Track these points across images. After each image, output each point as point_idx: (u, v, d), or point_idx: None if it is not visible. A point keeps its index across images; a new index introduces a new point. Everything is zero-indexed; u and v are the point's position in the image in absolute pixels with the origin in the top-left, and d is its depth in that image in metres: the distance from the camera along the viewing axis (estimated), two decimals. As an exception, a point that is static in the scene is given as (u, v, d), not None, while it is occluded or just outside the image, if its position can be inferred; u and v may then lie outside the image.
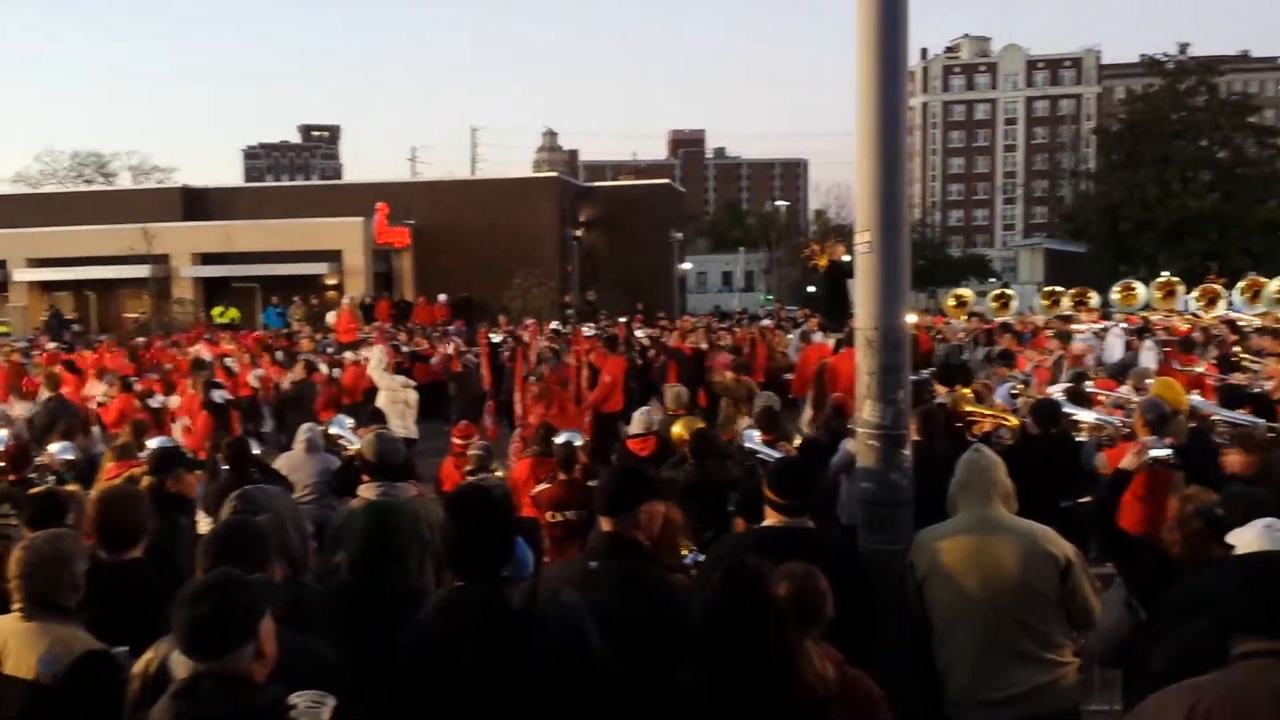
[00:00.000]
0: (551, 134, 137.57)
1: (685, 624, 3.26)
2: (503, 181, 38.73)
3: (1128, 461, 4.75)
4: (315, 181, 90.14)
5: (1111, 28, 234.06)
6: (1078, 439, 7.81)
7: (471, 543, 3.13)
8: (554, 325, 22.83)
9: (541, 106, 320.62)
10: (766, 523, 4.26)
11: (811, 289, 50.88)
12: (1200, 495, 4.32)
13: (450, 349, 18.42)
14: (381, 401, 11.52)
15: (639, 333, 21.32)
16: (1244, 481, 5.86)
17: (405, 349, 18.43)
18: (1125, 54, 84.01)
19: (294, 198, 38.79)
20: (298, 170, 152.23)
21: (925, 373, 10.30)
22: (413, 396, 12.25)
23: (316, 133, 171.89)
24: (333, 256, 31.45)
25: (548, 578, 3.70)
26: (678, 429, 7.43)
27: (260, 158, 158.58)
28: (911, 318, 17.67)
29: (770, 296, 56.33)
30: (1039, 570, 4.09)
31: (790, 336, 20.19)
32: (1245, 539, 3.32)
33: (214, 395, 11.57)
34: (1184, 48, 56.01)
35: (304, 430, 7.90)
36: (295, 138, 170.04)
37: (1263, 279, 20.66)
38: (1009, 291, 25.07)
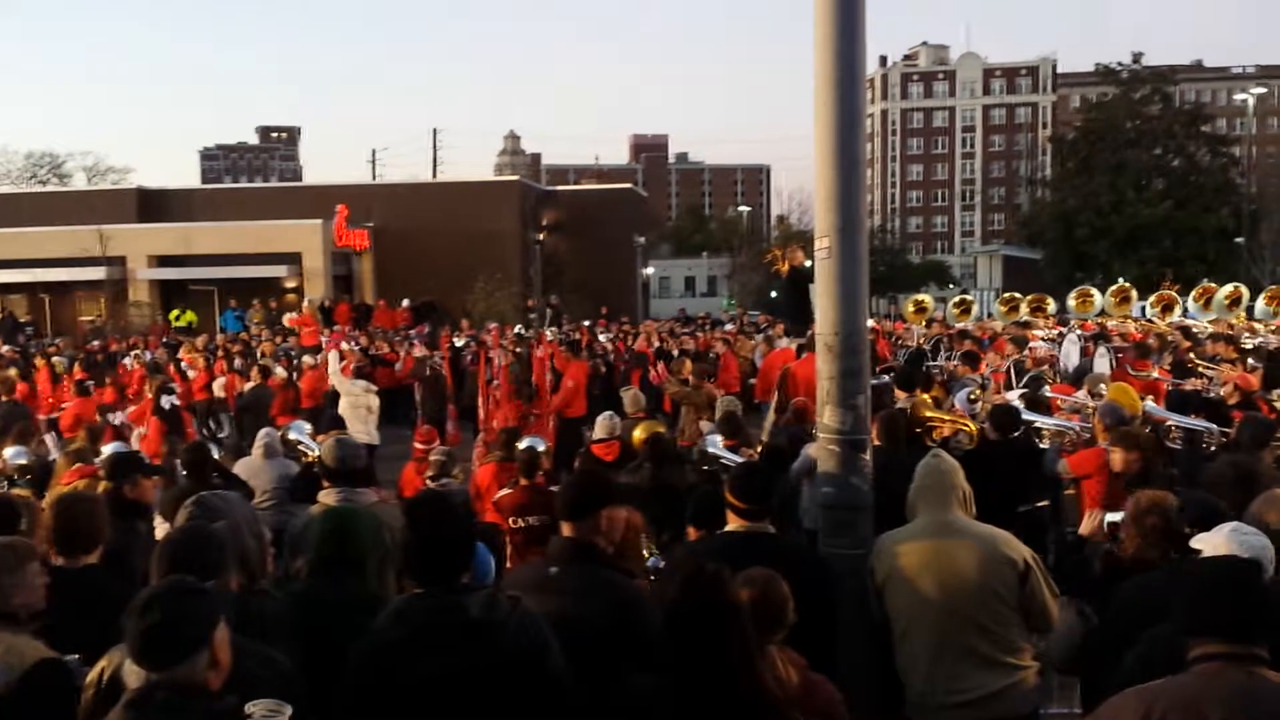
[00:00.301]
0: (514, 137, 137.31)
1: (646, 629, 3.26)
2: (465, 184, 38.54)
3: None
4: (274, 183, 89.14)
5: (1067, 37, 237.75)
6: (1040, 444, 7.92)
7: (430, 549, 3.10)
8: (517, 329, 22.77)
9: (504, 109, 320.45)
10: (728, 528, 4.27)
11: (774, 294, 51.13)
12: (1156, 496, 4.40)
13: (417, 352, 18.31)
14: (343, 406, 11.42)
15: (602, 337, 21.32)
16: (1129, 480, 6.02)
17: (364, 351, 18.27)
18: (1081, 63, 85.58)
19: (252, 199, 38.36)
20: (256, 172, 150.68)
21: (885, 377, 10.40)
22: (374, 401, 12.14)
23: (275, 134, 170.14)
24: (292, 259, 31.12)
25: (508, 583, 3.69)
26: (637, 433, 7.43)
27: (218, 159, 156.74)
28: (870, 323, 17.85)
29: (733, 301, 56.53)
30: (997, 574, 4.13)
31: (754, 341, 20.29)
32: (1214, 543, 3.37)
33: (163, 401, 11.42)
34: (1138, 57, 57.00)
35: (262, 435, 7.81)
36: (253, 139, 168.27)
37: (1215, 286, 21.03)
38: (969, 297, 25.33)
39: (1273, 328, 15.86)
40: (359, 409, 11.39)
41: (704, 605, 2.98)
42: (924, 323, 19.31)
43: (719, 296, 66.70)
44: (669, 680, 2.98)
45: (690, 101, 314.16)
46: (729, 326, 25.19)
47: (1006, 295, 23.09)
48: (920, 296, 22.74)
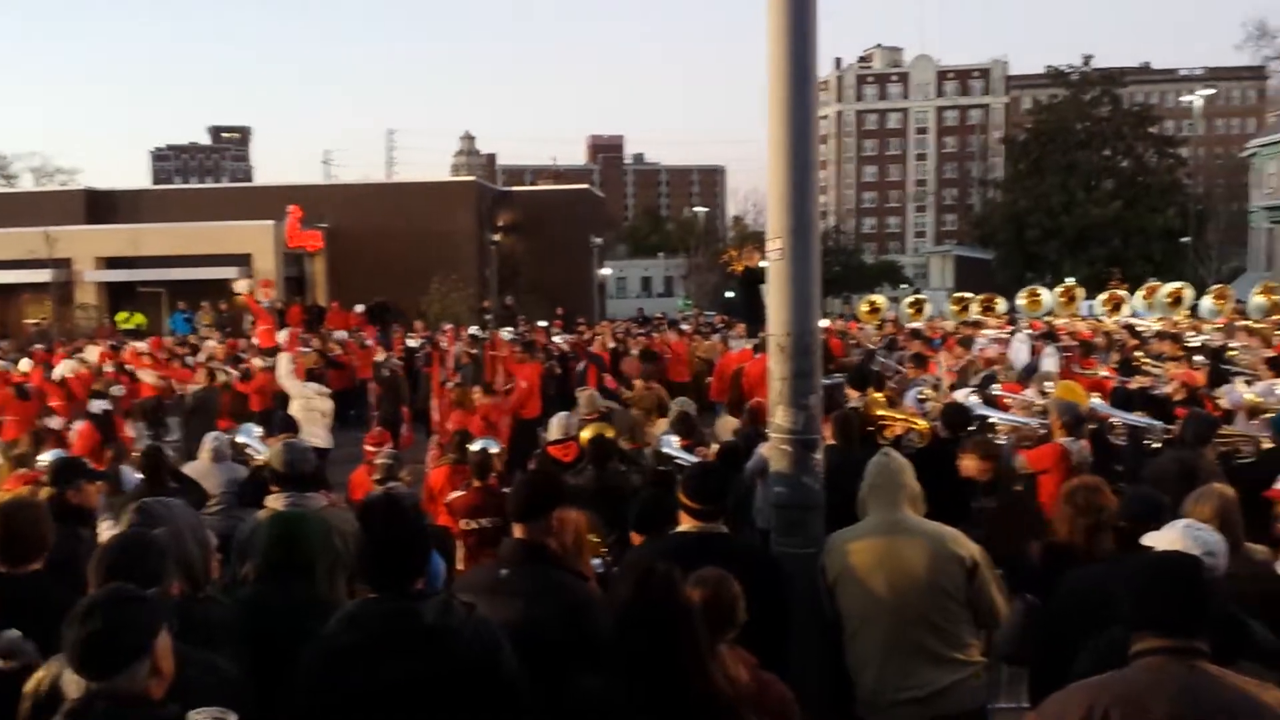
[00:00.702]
0: (469, 138, 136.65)
1: (597, 631, 3.26)
2: (420, 185, 38.30)
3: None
4: (225, 184, 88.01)
5: (1018, 40, 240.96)
6: (996, 441, 8.01)
7: (384, 553, 3.07)
8: (472, 330, 22.65)
9: (460, 110, 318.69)
10: (681, 528, 4.27)
11: (730, 294, 51.36)
12: (1092, 482, 4.48)
13: (376, 355, 18.15)
14: (295, 409, 11.28)
15: (557, 338, 21.27)
16: (980, 486, 6.15)
17: (319, 353, 18.07)
18: (1032, 65, 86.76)
19: (203, 200, 37.85)
20: (207, 172, 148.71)
21: (839, 377, 10.49)
22: (327, 404, 11.99)
23: (227, 134, 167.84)
24: (242, 260, 30.70)
25: (459, 585, 3.67)
26: (586, 434, 7.43)
27: (168, 159, 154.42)
28: (824, 323, 18.11)
29: (689, 302, 56.69)
30: (946, 571, 4.17)
31: (710, 341, 20.34)
32: (1167, 539, 3.43)
33: (93, 405, 11.21)
34: (1088, 59, 57.96)
35: (210, 439, 7.69)
36: (204, 139, 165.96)
37: (1161, 285, 21.43)
38: (922, 297, 25.61)
39: (1216, 326, 16.18)
40: (311, 412, 11.24)
41: (655, 607, 2.98)
42: (877, 323, 19.48)
43: (675, 297, 66.94)
44: (619, 682, 2.98)
45: (647, 103, 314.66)
46: (685, 327, 25.23)
47: (958, 295, 23.38)
48: (874, 297, 22.98)
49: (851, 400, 8.70)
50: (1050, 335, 14.59)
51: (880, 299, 22.14)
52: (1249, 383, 9.67)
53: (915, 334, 16.21)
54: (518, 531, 3.67)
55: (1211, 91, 59.28)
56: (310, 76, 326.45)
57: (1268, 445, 7.37)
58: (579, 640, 3.22)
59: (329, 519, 4.28)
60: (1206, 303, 18.80)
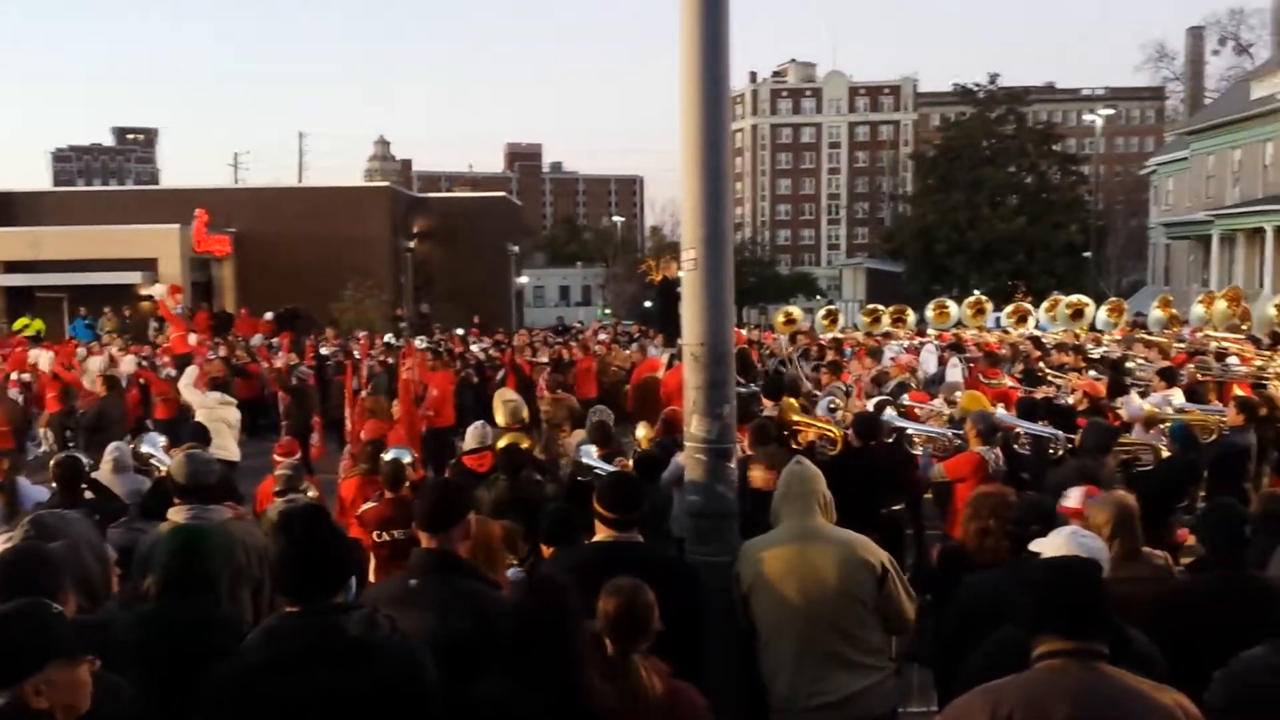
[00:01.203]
0: (384, 143, 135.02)
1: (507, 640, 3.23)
2: (332, 190, 37.76)
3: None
4: (130, 186, 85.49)
5: (928, 58, 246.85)
6: (912, 450, 8.18)
7: (305, 565, 2.98)
8: (387, 338, 22.34)
9: (374, 115, 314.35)
10: (597, 538, 4.27)
11: (648, 304, 51.58)
12: (994, 489, 4.61)
13: (280, 363, 17.76)
14: (200, 420, 10.94)
15: (475, 347, 21.09)
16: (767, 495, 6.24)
17: (226, 361, 17.58)
18: (940, 83, 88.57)
19: (106, 203, 36.73)
20: (111, 175, 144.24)
21: (753, 386, 10.59)
22: (233, 414, 11.63)
23: (132, 135, 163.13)
24: (147, 265, 29.89)
25: (368, 598, 3.60)
26: (501, 444, 7.38)
27: (70, 161, 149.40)
28: (740, 333, 18.14)
29: (608, 311, 56.77)
30: (856, 578, 4.22)
31: (629, 351, 20.38)
32: (1054, 544, 3.52)
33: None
34: (994, 78, 59.58)
35: (111, 449, 7.43)
36: (109, 140, 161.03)
37: (1063, 298, 22.11)
38: (835, 308, 26.05)
39: (1115, 337, 16.75)
40: (216, 422, 10.90)
41: (544, 612, 3.03)
42: (791, 333, 19.72)
43: (594, 306, 66.95)
44: (519, 688, 3.00)
45: (565, 112, 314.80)
46: (603, 336, 25.25)
47: (870, 306, 23.81)
48: (789, 308, 23.26)
49: (767, 410, 8.80)
50: (957, 346, 14.94)
51: (797, 310, 22.42)
52: (1143, 394, 10.03)
53: (835, 343, 16.47)
54: (426, 541, 3.63)
55: (1111, 111, 61.46)
56: (220, 77, 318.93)
57: (1166, 454, 7.66)
58: (491, 649, 3.19)
59: (233, 532, 4.16)
60: (1101, 315, 19.43)
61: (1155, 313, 17.93)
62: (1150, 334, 16.76)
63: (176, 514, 4.30)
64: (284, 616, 2.96)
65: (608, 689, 3.06)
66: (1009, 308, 21.58)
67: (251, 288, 31.56)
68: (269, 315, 26.94)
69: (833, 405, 9.26)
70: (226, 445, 10.90)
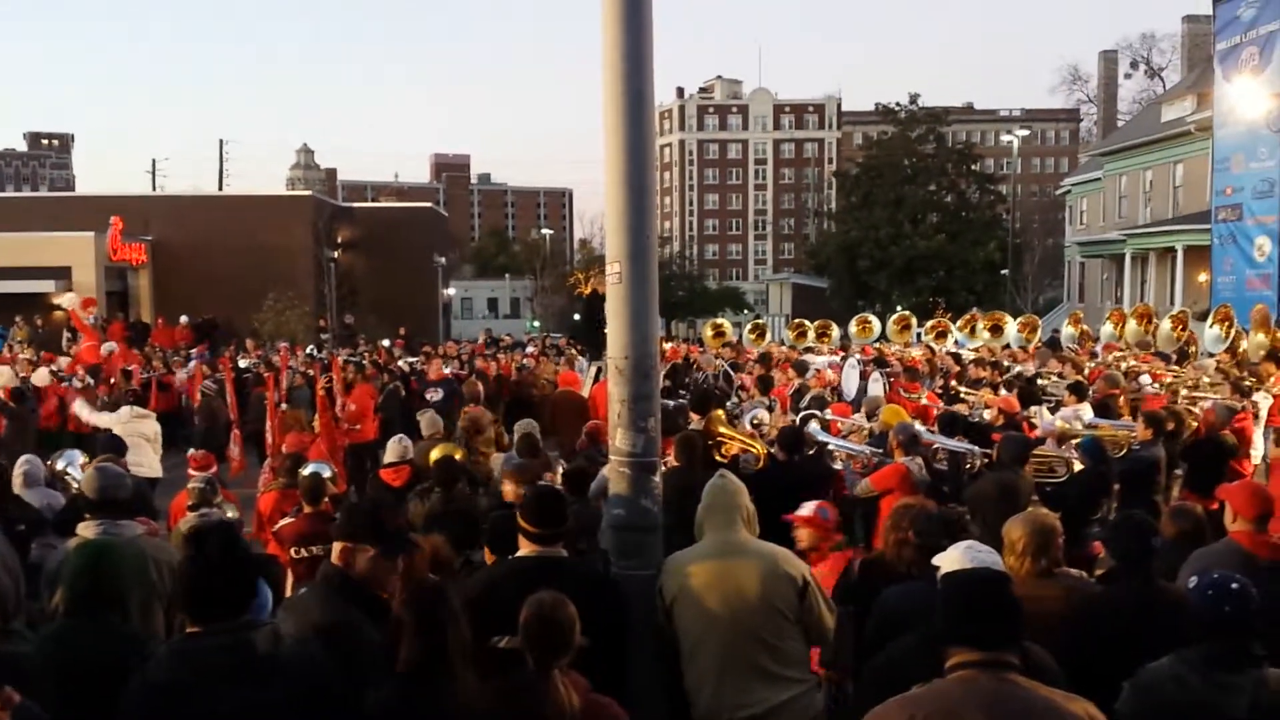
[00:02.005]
0: (308, 151, 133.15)
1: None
2: (253, 198, 37.16)
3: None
4: (43, 193, 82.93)
5: (851, 77, 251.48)
6: (834, 465, 8.27)
7: (213, 582, 2.94)
8: (309, 350, 21.99)
9: (298, 122, 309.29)
10: (520, 553, 4.24)
11: (578, 316, 51.53)
12: (918, 504, 4.70)
13: (193, 374, 17.35)
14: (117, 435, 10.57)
15: (401, 362, 20.81)
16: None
17: (126, 374, 17.01)
18: (863, 102, 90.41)
19: (18, 209, 35.70)
20: (24, 180, 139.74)
21: (682, 399, 10.64)
22: (149, 428, 11.24)
23: (46, 140, 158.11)
24: (61, 273, 29.04)
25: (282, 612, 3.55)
26: (435, 454, 7.30)
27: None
28: (668, 346, 18.18)
29: (537, 324, 56.60)
30: (778, 590, 4.26)
31: (558, 364, 20.28)
32: (950, 559, 3.60)
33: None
34: (915, 98, 60.74)
35: (22, 462, 7.17)
36: (21, 145, 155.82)
37: (979, 314, 22.62)
38: (762, 322, 26.28)
39: (1030, 354, 17.13)
40: (132, 437, 10.57)
41: (424, 618, 3.10)
42: (719, 347, 19.86)
43: (522, 319, 66.73)
44: (409, 691, 3.08)
45: (493, 123, 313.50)
46: (530, 349, 25.13)
47: (797, 321, 24.08)
48: (719, 321, 23.39)
49: (693, 423, 8.84)
50: (880, 361, 15.17)
51: (725, 324, 22.57)
52: (1053, 409, 10.30)
53: (763, 358, 16.62)
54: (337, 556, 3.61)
55: (1028, 132, 63.00)
56: (137, 82, 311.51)
57: (1078, 467, 7.87)
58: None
59: (145, 548, 4.04)
60: (1012, 331, 19.89)
61: (1067, 329, 18.41)
62: (1063, 350, 17.19)
63: (86, 529, 4.17)
64: (190, 635, 2.93)
65: (486, 689, 3.14)
66: (929, 323, 21.97)
67: (169, 297, 30.87)
68: (184, 320, 26.35)
69: (755, 421, 9.34)
70: (145, 460, 10.57)
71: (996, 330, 20.33)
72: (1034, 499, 7.29)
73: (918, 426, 8.04)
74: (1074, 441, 8.51)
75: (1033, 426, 9.56)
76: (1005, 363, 15.13)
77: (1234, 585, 3.33)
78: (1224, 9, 25.00)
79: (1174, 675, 3.21)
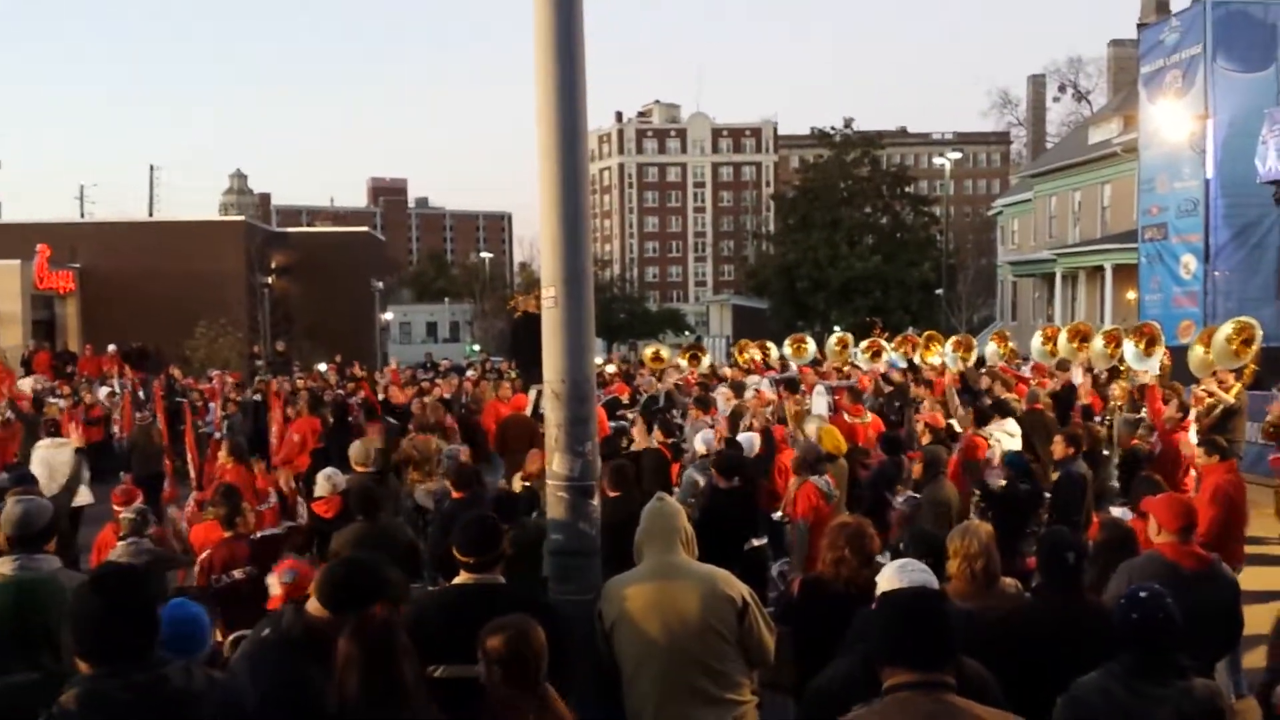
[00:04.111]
0: (241, 176, 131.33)
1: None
2: (184, 224, 36.59)
3: None
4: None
5: (788, 101, 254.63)
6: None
7: (119, 624, 2.84)
8: (261, 376, 21.60)
9: (231, 147, 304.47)
10: (457, 580, 4.20)
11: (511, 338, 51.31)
12: (856, 523, 4.73)
13: (123, 404, 16.95)
14: (36, 469, 10.23)
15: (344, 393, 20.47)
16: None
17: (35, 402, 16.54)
18: (799, 126, 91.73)
19: (-62, 237, 34.62)
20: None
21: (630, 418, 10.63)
22: (63, 457, 10.75)
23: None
24: (-15, 302, 28.26)
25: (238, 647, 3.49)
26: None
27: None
28: (611, 368, 18.12)
29: (476, 348, 56.27)
30: (718, 612, 4.25)
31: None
32: (886, 578, 3.62)
33: None
34: (849, 122, 61.77)
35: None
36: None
37: (916, 335, 22.93)
38: (704, 344, 26.36)
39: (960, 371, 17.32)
40: (49, 466, 10.21)
41: (368, 645, 3.08)
42: (660, 370, 19.87)
43: (462, 342, 66.29)
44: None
45: (431, 147, 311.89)
46: (470, 373, 24.95)
47: (742, 342, 24.16)
48: (658, 346, 23.38)
49: (637, 444, 8.86)
50: (820, 381, 15.27)
51: (664, 348, 22.57)
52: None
53: (703, 380, 16.70)
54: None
55: (960, 155, 64.27)
56: (65, 106, 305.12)
57: (1002, 482, 8.05)
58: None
59: (64, 583, 3.90)
60: (948, 350, 20.11)
61: (990, 346, 18.65)
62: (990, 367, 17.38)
63: (2, 565, 4.02)
64: (97, 675, 2.81)
65: None
66: (864, 343, 22.19)
67: (97, 326, 30.14)
68: (112, 348, 25.75)
69: (705, 441, 9.35)
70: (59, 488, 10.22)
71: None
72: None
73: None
74: (998, 458, 8.67)
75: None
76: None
77: (1146, 595, 3.40)
78: (1148, 33, 25.74)
79: (1101, 688, 3.26)
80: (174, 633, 3.31)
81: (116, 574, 2.96)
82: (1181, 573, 4.58)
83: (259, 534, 6.94)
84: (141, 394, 18.28)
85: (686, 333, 72.48)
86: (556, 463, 4.62)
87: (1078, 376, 13.98)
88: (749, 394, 13.15)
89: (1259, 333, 13.25)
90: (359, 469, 8.20)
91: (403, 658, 3.14)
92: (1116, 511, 7.14)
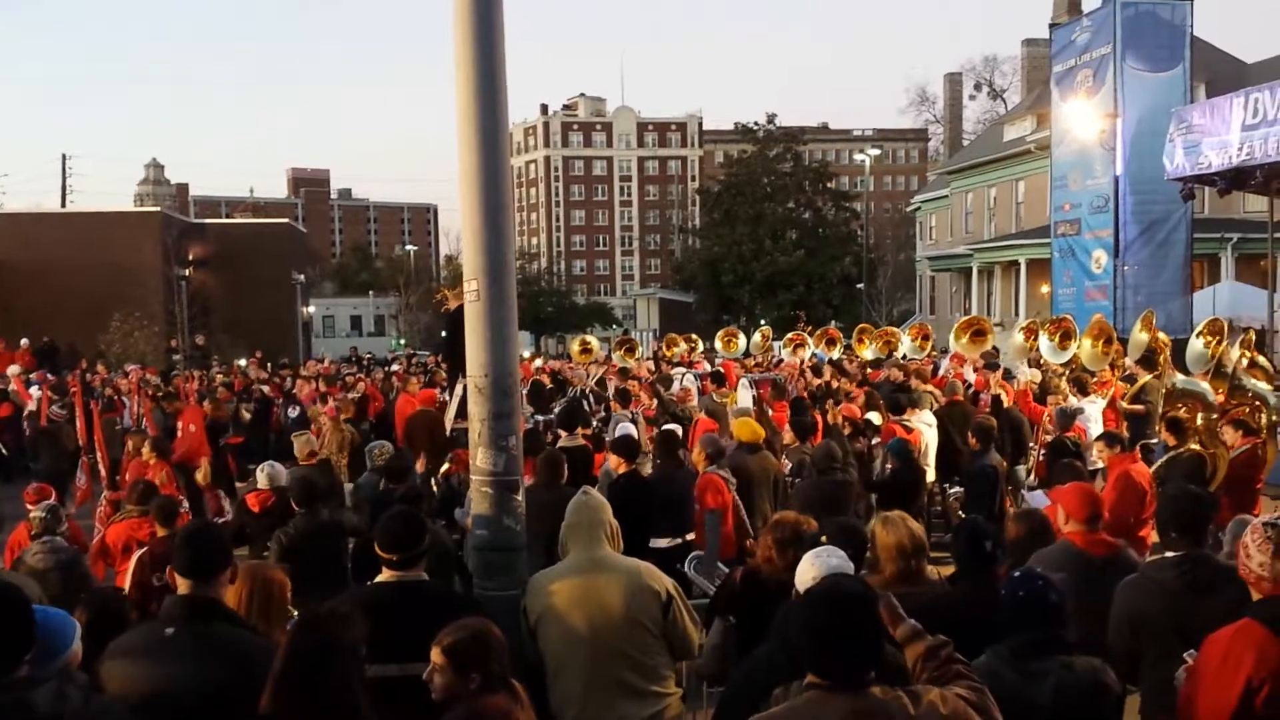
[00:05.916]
0: (157, 166, 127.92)
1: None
2: (98, 215, 35.46)
3: None
4: None
5: (712, 96, 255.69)
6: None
7: None
8: (177, 370, 21.08)
9: (146, 136, 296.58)
10: (380, 578, 4.16)
11: (445, 334, 50.79)
12: (789, 518, 4.80)
13: (37, 400, 16.44)
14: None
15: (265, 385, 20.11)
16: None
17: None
18: (724, 121, 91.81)
19: None
20: None
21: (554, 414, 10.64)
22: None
23: None
24: (-112, 297, 27.20)
25: (116, 648, 3.39)
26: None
27: None
28: (538, 363, 18.09)
29: (402, 342, 55.61)
30: (642, 605, 4.28)
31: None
32: (803, 572, 3.67)
33: None
34: (772, 118, 62.38)
35: None
36: None
37: (837, 329, 23.31)
38: (632, 337, 26.40)
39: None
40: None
41: (314, 643, 2.97)
42: (587, 363, 19.86)
43: (387, 336, 65.42)
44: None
45: (353, 138, 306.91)
46: (396, 367, 24.67)
47: (670, 336, 24.25)
48: (586, 338, 23.36)
49: (562, 440, 8.86)
50: (745, 373, 15.43)
51: (593, 340, 22.56)
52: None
53: (623, 372, 16.69)
54: (183, 587, 3.48)
55: (879, 151, 65.41)
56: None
57: (891, 466, 8.52)
58: (252, 699, 3.05)
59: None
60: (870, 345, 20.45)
61: (906, 340, 19.01)
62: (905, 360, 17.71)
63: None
64: None
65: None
66: (786, 336, 22.45)
67: (10, 320, 29.09)
68: (24, 343, 24.94)
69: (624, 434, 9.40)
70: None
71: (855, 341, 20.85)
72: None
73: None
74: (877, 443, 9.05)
75: (909, 430, 9.92)
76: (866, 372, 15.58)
77: (1031, 576, 3.52)
78: (1060, 33, 26.42)
79: (990, 669, 3.30)
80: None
81: None
82: (1091, 560, 4.75)
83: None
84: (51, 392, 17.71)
85: (614, 326, 72.48)
86: (480, 457, 4.60)
87: (969, 372, 14.32)
88: (675, 387, 13.23)
89: (1113, 330, 13.86)
90: (303, 462, 8.10)
91: (350, 658, 3.05)
92: (1033, 496, 7.41)
